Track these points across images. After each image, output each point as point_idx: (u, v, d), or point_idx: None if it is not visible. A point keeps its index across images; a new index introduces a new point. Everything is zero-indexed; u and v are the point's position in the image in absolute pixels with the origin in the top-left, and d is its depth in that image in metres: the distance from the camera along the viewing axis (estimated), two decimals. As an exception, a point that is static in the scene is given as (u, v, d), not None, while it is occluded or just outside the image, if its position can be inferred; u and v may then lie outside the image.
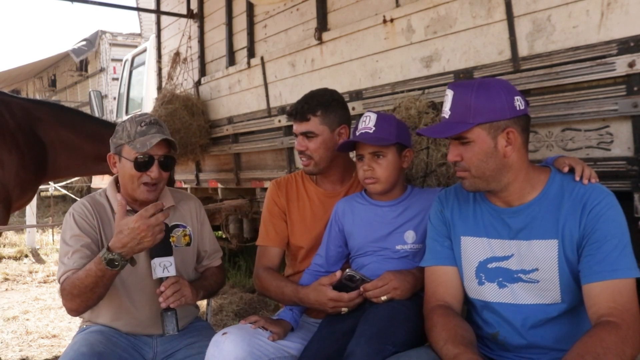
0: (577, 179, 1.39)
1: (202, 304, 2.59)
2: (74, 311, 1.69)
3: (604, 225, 1.32)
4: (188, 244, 1.93)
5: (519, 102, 1.38)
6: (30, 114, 3.42)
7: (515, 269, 1.42)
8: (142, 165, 1.76)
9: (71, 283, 1.63)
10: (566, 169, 1.42)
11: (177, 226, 1.91)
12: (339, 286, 1.67)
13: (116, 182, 1.90)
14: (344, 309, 1.66)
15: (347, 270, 1.66)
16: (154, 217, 1.56)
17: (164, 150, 1.80)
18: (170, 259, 1.69)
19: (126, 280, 1.80)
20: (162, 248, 1.69)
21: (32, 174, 3.37)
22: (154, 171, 1.77)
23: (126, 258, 1.59)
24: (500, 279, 1.44)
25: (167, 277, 1.68)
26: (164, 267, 1.68)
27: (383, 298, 1.59)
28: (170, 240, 1.80)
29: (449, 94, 1.43)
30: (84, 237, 1.75)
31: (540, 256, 1.39)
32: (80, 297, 1.63)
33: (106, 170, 3.79)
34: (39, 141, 3.43)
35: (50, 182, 8.42)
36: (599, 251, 1.31)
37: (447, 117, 1.43)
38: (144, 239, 1.56)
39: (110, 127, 4.10)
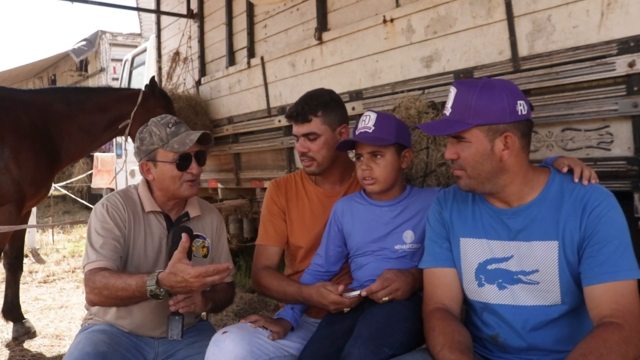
0: (576, 180, 1.38)
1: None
2: (94, 304, 1.72)
3: (604, 227, 1.31)
4: (205, 256, 1.93)
5: (521, 107, 1.36)
6: (44, 110, 3.37)
7: (515, 270, 1.42)
8: (183, 164, 1.81)
9: (105, 284, 1.62)
10: (565, 170, 1.41)
11: (197, 236, 1.91)
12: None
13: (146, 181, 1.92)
14: (347, 308, 1.66)
15: (345, 294, 1.64)
16: (210, 278, 1.53)
17: (197, 146, 1.85)
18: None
19: None
20: None
21: (47, 171, 3.35)
22: (194, 167, 1.84)
23: (170, 293, 1.60)
24: (500, 281, 1.44)
25: None
26: None
27: (385, 299, 1.59)
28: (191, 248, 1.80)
29: (452, 91, 1.43)
30: (115, 230, 1.78)
31: (541, 257, 1.38)
32: (108, 298, 1.65)
33: (113, 134, 3.69)
34: (53, 138, 3.37)
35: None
36: (600, 253, 1.30)
37: (447, 114, 1.43)
38: (192, 290, 1.59)
39: (111, 90, 4.06)
